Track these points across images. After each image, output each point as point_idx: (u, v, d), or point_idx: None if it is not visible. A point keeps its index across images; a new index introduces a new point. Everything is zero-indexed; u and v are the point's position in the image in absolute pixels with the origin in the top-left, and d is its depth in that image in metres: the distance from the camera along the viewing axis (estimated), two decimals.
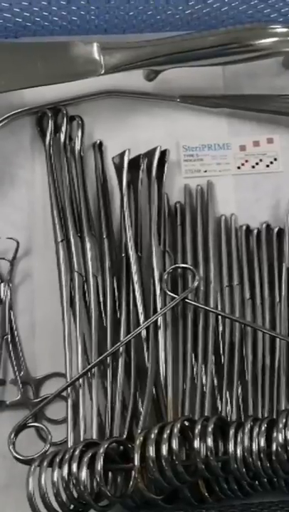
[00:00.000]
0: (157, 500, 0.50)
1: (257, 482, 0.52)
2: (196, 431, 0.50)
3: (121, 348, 0.55)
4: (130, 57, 0.62)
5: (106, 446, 0.50)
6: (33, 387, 0.57)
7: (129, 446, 0.51)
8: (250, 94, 0.66)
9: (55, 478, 0.49)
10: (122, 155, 0.62)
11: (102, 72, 0.62)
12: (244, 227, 0.62)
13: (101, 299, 0.58)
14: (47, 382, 0.58)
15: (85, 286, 0.58)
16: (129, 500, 0.51)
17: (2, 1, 0.63)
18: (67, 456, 0.50)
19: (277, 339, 0.56)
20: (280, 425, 0.50)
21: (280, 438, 0.49)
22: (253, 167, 0.64)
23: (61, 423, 0.56)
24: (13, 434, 0.52)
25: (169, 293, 0.57)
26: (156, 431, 0.50)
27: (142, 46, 0.62)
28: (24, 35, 0.67)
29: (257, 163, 0.64)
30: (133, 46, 0.62)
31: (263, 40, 0.62)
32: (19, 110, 0.63)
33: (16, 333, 0.58)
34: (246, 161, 0.64)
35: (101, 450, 0.49)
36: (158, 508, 0.51)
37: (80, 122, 0.64)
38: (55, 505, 0.49)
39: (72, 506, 0.49)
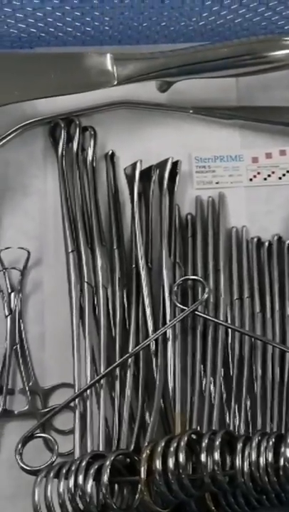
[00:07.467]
0: None
1: (264, 497, 0.52)
2: (203, 444, 0.50)
3: (130, 360, 0.55)
4: (143, 68, 0.62)
5: (112, 458, 0.49)
6: (42, 397, 0.57)
7: (136, 458, 0.51)
8: (264, 106, 0.65)
9: (61, 490, 0.49)
10: (133, 166, 0.62)
11: (115, 83, 0.61)
12: (255, 240, 0.61)
13: (110, 310, 0.58)
14: (55, 392, 0.58)
15: (95, 297, 0.58)
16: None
17: (17, 12, 0.63)
18: (73, 468, 0.50)
19: (288, 353, 0.56)
20: None
21: (288, 453, 0.49)
22: (265, 179, 0.64)
23: (69, 434, 0.56)
24: (20, 445, 0.52)
25: (179, 305, 0.57)
26: (163, 444, 0.50)
27: (155, 57, 0.62)
28: (39, 46, 0.67)
29: (269, 175, 0.64)
30: (146, 57, 0.62)
31: (276, 52, 0.62)
32: (32, 120, 0.63)
33: (25, 342, 0.58)
34: (258, 173, 0.64)
35: (107, 462, 0.49)
36: None
37: (92, 133, 0.64)
38: None
39: None
